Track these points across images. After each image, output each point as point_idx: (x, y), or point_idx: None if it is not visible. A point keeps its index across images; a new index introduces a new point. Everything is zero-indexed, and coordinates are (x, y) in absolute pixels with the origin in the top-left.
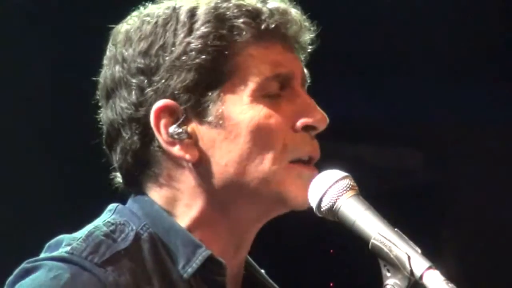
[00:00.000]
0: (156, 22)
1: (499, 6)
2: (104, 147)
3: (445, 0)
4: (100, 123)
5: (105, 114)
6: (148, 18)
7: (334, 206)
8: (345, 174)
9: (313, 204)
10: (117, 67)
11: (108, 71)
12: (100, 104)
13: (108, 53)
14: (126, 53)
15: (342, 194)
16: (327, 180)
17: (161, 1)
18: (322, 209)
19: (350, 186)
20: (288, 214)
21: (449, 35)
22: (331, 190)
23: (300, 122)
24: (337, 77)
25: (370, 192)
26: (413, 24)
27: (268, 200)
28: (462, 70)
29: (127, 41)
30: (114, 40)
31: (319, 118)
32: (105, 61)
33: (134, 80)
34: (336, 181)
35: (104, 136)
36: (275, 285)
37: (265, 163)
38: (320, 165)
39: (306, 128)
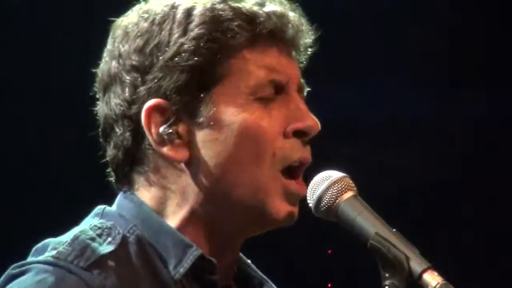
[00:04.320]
0: (153, 20)
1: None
2: (100, 140)
3: (443, 2)
4: (97, 115)
5: (101, 108)
6: (146, 15)
7: (332, 207)
8: (343, 174)
9: (311, 204)
10: (113, 62)
11: (106, 65)
12: (97, 96)
13: (108, 46)
14: (123, 49)
15: (340, 195)
16: (326, 181)
17: None
18: (320, 210)
19: (349, 186)
20: None
21: (449, 35)
22: (329, 190)
23: (290, 128)
24: (338, 77)
25: (369, 193)
26: (413, 23)
27: (252, 210)
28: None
29: (124, 36)
30: (113, 34)
31: (310, 123)
32: (104, 54)
33: (128, 77)
34: (335, 182)
35: (100, 129)
36: (264, 276)
37: (253, 168)
38: (318, 166)
39: (297, 133)
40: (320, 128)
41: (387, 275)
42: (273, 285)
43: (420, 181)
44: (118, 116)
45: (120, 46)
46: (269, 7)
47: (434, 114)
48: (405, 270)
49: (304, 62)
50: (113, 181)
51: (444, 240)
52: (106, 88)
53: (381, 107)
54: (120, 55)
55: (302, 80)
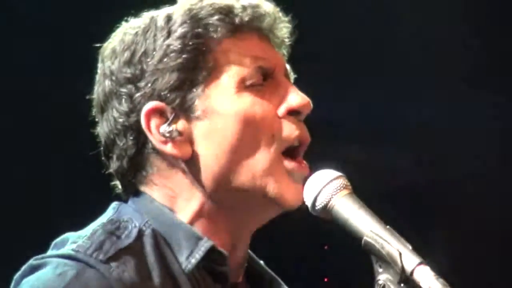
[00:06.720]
0: (136, 32)
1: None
2: (102, 158)
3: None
4: (98, 137)
5: (101, 128)
6: (129, 30)
7: (328, 205)
8: (339, 173)
9: (308, 203)
10: (107, 82)
11: (100, 87)
12: (96, 120)
13: (98, 71)
14: (113, 66)
15: (335, 193)
16: (322, 180)
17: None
18: (316, 208)
19: (344, 185)
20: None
21: (446, 35)
22: (325, 189)
23: (284, 108)
24: (331, 78)
25: (364, 191)
26: (410, 22)
27: (257, 193)
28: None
29: (112, 55)
30: (102, 57)
31: (303, 102)
32: (96, 79)
33: (123, 90)
34: (330, 181)
35: (102, 148)
36: (274, 275)
37: (254, 154)
38: (315, 165)
39: (291, 113)
40: (311, 106)
41: (380, 270)
42: (283, 284)
43: (413, 181)
44: (119, 129)
45: (110, 64)
46: (244, 0)
47: (429, 115)
48: (398, 265)
49: (287, 51)
50: (121, 191)
51: (436, 236)
52: (104, 107)
53: (377, 107)
54: (111, 73)
55: (287, 67)
